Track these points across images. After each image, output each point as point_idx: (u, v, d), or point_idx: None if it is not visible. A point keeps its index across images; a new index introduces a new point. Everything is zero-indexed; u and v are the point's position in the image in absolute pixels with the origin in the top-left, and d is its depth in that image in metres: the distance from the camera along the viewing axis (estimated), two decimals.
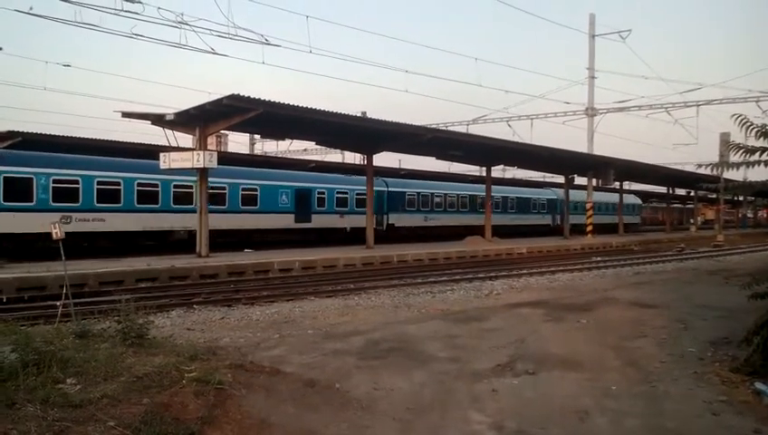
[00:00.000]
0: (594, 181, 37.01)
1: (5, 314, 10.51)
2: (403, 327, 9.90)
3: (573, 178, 39.36)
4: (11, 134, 22.03)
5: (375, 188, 29.55)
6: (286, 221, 27.65)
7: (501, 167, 46.23)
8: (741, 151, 7.18)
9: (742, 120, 7.03)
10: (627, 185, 50.54)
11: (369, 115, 27.70)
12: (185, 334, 9.11)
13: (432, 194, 36.36)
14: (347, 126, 21.66)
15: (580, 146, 37.92)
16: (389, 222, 32.99)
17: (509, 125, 41.84)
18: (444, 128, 37.17)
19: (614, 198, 47.63)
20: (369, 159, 26.29)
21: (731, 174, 11.55)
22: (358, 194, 30.67)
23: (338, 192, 30.28)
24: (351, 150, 32.96)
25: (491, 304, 12.82)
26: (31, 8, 15.96)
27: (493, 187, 35.07)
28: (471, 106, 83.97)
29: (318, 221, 29.13)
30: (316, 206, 29.08)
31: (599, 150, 39.30)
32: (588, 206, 37.26)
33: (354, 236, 28.73)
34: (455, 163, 38.80)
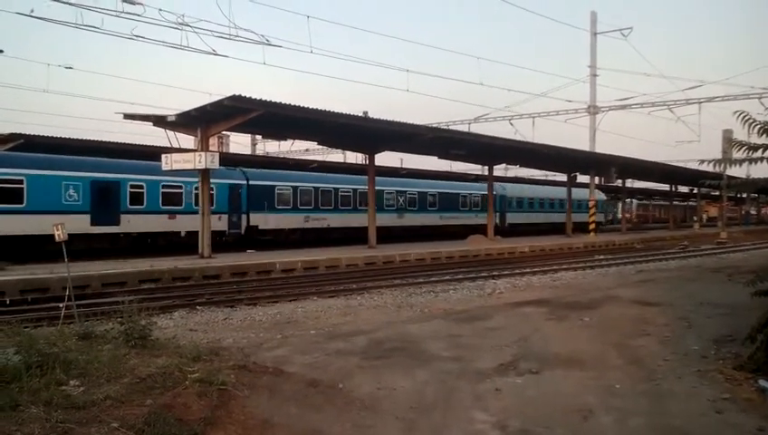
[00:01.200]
0: (597, 180, 36.97)
1: (9, 316, 10.50)
2: (406, 327, 9.90)
3: (576, 176, 39.31)
4: (13, 136, 22.16)
5: (227, 181, 25.49)
6: (77, 224, 19.89)
7: (503, 166, 46.12)
8: (743, 148, 7.16)
9: (744, 117, 7.01)
10: (630, 183, 50.41)
11: (370, 115, 27.61)
12: (188, 335, 9.12)
13: (317, 189, 29.71)
14: (348, 126, 21.67)
15: (582, 144, 37.83)
16: (252, 223, 26.86)
17: (511, 124, 41.86)
18: (446, 127, 37.17)
19: (576, 193, 43.65)
20: (371, 159, 26.31)
21: (734, 171, 11.52)
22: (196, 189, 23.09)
23: (166, 186, 23.67)
24: (353, 150, 33.02)
25: (493, 303, 12.81)
26: (32, 10, 16.00)
27: (398, 180, 33.57)
28: (473, 105, 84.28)
29: (133, 224, 22.78)
30: (128, 204, 22.65)
31: (601, 148, 39.31)
32: (590, 204, 37.22)
33: (192, 243, 21.42)
34: (455, 162, 38.84)
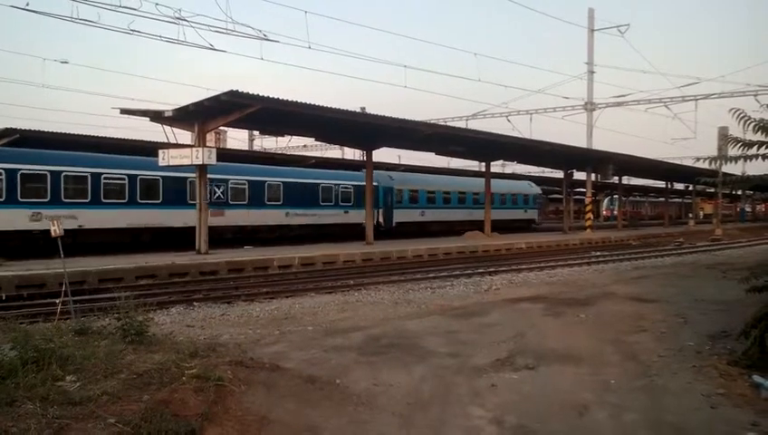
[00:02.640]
0: (594, 176, 37.06)
1: (5, 311, 10.48)
2: (403, 323, 9.91)
3: (572, 172, 39.40)
4: (8, 131, 21.99)
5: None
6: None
7: (500, 162, 46.20)
8: (739, 145, 7.19)
9: (739, 114, 7.03)
10: (626, 179, 50.52)
11: (368, 111, 27.54)
12: (185, 331, 9.12)
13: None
14: (346, 121, 21.67)
15: (579, 141, 37.79)
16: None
17: (508, 120, 41.94)
18: (443, 123, 37.16)
19: (506, 185, 40.72)
20: (369, 155, 26.31)
21: (729, 168, 11.54)
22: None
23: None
24: (350, 146, 32.94)
25: (490, 299, 12.82)
26: (27, 4, 15.92)
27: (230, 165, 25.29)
28: (470, 101, 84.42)
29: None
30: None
31: (598, 145, 39.38)
32: (587, 200, 37.30)
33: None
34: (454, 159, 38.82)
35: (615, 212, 38.54)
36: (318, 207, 28.81)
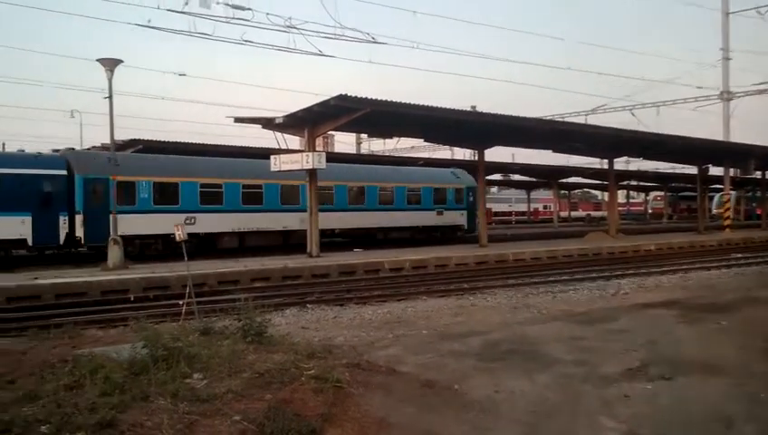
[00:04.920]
0: (732, 172, 34.04)
1: (134, 311, 11.25)
2: (523, 328, 9.56)
3: (707, 168, 36.40)
4: (133, 142, 24.12)
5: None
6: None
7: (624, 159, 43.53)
8: None
9: None
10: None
11: (478, 109, 26.93)
12: (300, 333, 9.27)
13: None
14: (456, 121, 21.33)
15: (714, 134, 34.89)
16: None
17: (632, 114, 39.60)
18: (560, 120, 35.74)
19: (420, 173, 30.91)
20: (481, 155, 25.78)
21: None
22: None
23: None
24: (461, 146, 32.38)
25: (618, 304, 12.19)
26: (149, 21, 17.14)
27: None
28: (588, 95, 79.49)
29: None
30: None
31: (736, 138, 36.17)
32: (726, 198, 34.36)
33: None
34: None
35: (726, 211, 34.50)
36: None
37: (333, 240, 26.17)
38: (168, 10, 16.08)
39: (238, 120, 20.68)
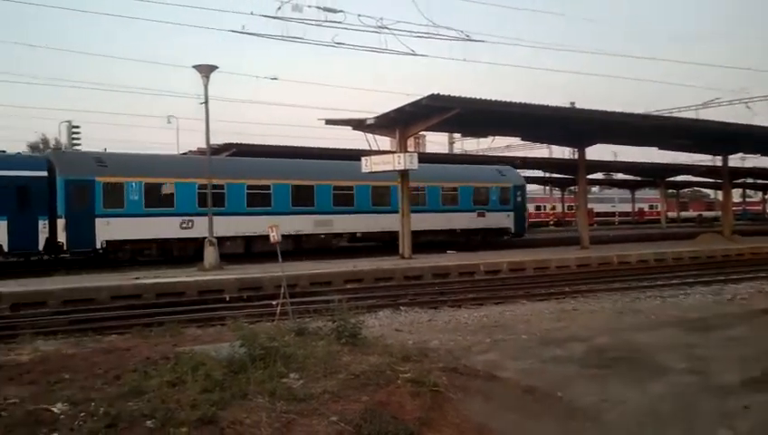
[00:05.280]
0: None
1: (231, 311, 11.56)
2: (630, 334, 9.07)
3: None
4: (228, 146, 25.08)
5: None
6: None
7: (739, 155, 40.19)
8: None
9: None
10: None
11: (577, 106, 25.72)
12: (394, 335, 9.19)
13: None
14: (553, 118, 20.56)
15: None
16: None
17: (748, 107, 36.59)
18: (668, 114, 33.67)
19: (455, 172, 27.73)
20: (581, 153, 24.79)
21: None
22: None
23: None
24: (560, 144, 31.32)
25: (735, 310, 11.43)
26: (243, 27, 17.69)
27: None
28: (699, 88, 74.25)
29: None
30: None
31: None
32: None
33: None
34: None
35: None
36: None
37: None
38: (262, 15, 16.52)
39: (329, 122, 20.94)
